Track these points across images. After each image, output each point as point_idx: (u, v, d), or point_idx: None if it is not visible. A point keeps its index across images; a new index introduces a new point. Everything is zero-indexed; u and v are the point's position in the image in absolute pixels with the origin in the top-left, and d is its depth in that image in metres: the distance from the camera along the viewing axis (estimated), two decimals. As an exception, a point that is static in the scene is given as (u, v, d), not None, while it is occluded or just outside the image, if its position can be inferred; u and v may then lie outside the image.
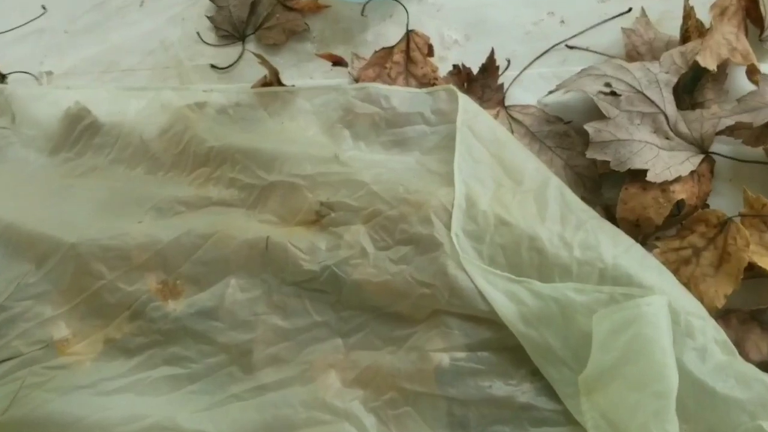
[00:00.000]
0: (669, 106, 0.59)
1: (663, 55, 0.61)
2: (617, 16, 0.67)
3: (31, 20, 0.77)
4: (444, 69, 0.68)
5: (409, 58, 0.67)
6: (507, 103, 0.65)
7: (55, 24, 0.77)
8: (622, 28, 0.66)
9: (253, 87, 0.68)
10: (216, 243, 0.58)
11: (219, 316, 0.57)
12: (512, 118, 0.65)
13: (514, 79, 0.67)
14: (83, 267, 0.59)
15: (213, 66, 0.72)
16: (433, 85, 0.66)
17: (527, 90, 0.67)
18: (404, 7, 0.70)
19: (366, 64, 0.67)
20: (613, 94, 0.60)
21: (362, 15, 0.71)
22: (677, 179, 0.57)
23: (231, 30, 0.73)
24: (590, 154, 0.59)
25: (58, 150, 0.68)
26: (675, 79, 0.60)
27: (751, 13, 0.63)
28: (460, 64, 0.67)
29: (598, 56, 0.66)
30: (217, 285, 0.58)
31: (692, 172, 0.58)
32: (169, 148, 0.65)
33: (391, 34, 0.70)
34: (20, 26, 0.77)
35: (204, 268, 0.58)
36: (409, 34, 0.68)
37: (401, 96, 0.65)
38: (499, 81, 0.66)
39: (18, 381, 0.57)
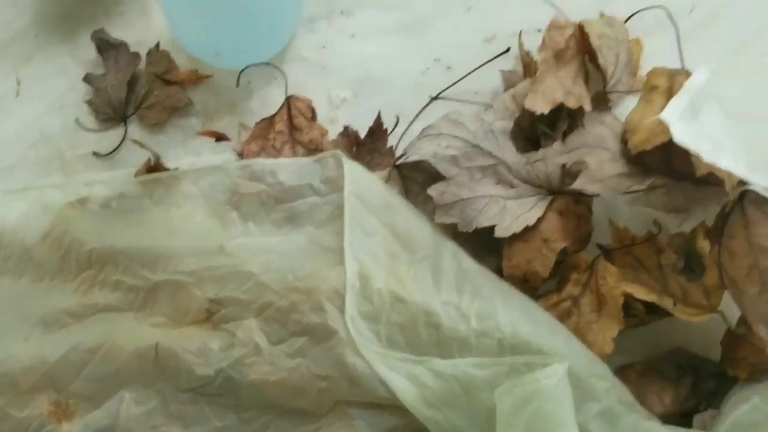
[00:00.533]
0: (508, 153, 0.58)
1: (495, 101, 0.60)
2: (495, 57, 0.65)
3: None
4: (335, 131, 0.66)
5: (292, 125, 0.65)
6: (399, 161, 0.63)
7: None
8: (500, 71, 0.64)
9: (137, 172, 0.65)
10: (105, 356, 0.56)
11: (113, 435, 0.55)
12: (404, 177, 0.63)
13: (402, 136, 0.64)
14: (-31, 399, 0.56)
15: (95, 153, 0.69)
16: (322, 150, 0.64)
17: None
18: (281, 71, 0.67)
19: (249, 138, 0.65)
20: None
21: (237, 87, 0.68)
22: (559, 226, 0.56)
23: (111, 113, 0.70)
24: (438, 218, 0.57)
25: None
26: (510, 124, 0.58)
27: (594, 61, 0.61)
28: (349, 126, 0.65)
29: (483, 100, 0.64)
30: (110, 401, 0.55)
31: (572, 215, 0.56)
32: (51, 254, 0.62)
33: (277, 99, 0.68)
34: None
35: (96, 385, 0.56)
36: (288, 100, 0.65)
37: (288, 168, 0.62)
38: (390, 142, 0.64)
39: None
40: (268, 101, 0.68)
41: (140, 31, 0.73)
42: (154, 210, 0.63)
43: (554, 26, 0.60)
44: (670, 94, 0.56)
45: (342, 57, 0.69)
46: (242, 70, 0.67)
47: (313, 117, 0.65)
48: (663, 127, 0.51)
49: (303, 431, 0.53)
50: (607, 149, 0.56)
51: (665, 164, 0.55)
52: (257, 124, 0.66)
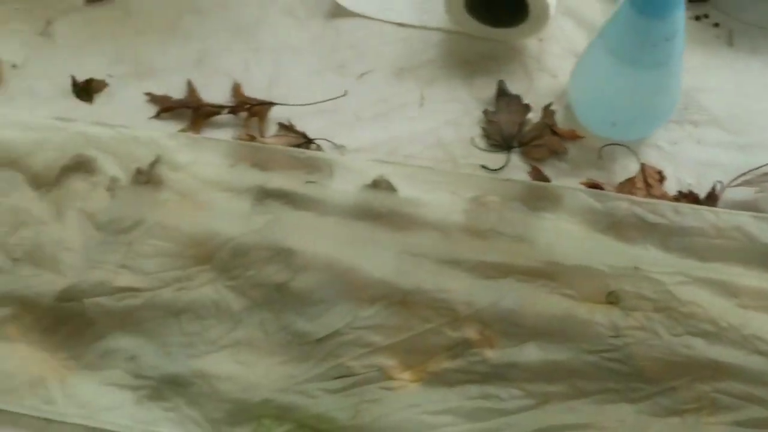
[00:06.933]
0: None
1: None
2: None
3: (332, 99, 0.92)
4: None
5: (647, 183, 0.84)
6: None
7: (347, 107, 0.92)
8: None
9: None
10: (523, 312, 0.72)
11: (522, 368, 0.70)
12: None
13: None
14: (414, 311, 0.72)
15: (484, 167, 0.88)
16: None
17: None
18: (633, 150, 0.88)
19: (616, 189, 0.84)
20: None
21: (599, 158, 0.88)
22: None
23: (500, 140, 0.89)
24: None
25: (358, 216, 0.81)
26: None
27: None
28: (688, 189, 0.85)
29: None
30: (525, 345, 0.71)
31: None
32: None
33: (627, 168, 0.87)
34: (321, 102, 0.92)
35: (514, 329, 0.72)
36: (643, 165, 0.86)
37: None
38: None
39: (355, 396, 0.68)
40: (620, 168, 0.87)
41: (525, 90, 0.94)
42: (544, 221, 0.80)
43: None
44: None
45: (688, 155, 0.89)
46: (602, 147, 0.87)
47: (661, 180, 0.85)
48: None
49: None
50: None
51: None
52: (620, 183, 0.85)
